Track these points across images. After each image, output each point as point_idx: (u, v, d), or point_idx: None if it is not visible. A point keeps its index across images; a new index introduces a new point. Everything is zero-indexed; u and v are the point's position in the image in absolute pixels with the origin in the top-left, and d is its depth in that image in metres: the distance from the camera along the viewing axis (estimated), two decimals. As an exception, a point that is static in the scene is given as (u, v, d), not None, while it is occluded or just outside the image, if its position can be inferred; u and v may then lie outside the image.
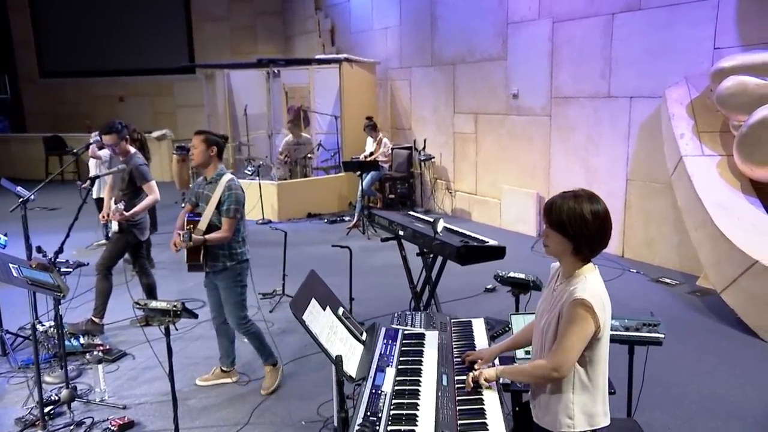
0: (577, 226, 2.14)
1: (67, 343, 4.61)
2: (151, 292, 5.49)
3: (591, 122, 7.43)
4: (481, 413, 2.13)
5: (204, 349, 4.95)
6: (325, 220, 9.65)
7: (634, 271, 6.68)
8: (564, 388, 2.21)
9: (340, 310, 2.56)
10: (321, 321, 2.33)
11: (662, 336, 2.84)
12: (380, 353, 2.44)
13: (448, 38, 9.62)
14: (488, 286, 6.24)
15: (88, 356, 4.73)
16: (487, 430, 2.03)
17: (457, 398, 2.23)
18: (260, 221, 9.43)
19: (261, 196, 9.43)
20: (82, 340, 4.91)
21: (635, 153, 6.96)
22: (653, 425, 3.66)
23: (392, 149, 9.77)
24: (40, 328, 5.04)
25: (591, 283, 2.17)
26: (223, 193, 3.98)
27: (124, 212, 4.76)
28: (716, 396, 4.05)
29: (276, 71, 10.71)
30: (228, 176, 4.08)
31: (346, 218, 9.62)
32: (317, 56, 11.30)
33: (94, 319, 5.16)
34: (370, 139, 9.50)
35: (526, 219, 8.41)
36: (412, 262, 5.03)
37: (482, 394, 2.25)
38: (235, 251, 4.09)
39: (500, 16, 8.55)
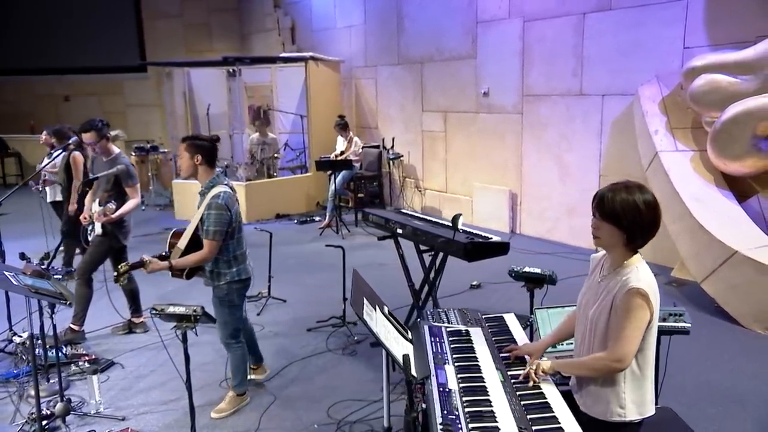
0: (632, 216, 2.17)
1: (50, 354, 4.37)
2: (134, 298, 5.27)
3: (563, 119, 7.59)
4: (547, 407, 2.13)
5: (197, 354, 4.76)
6: (295, 221, 9.51)
7: (610, 264, 6.86)
8: (616, 378, 2.23)
9: (386, 309, 2.51)
10: (377, 321, 2.28)
11: (689, 325, 2.92)
12: (432, 351, 2.41)
13: (415, 37, 9.64)
14: (473, 283, 6.30)
15: (74, 366, 4.52)
16: (559, 423, 2.03)
17: (518, 393, 2.22)
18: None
19: (228, 197, 9.20)
20: (65, 350, 4.66)
21: (608, 149, 7.16)
22: (661, 412, 3.77)
23: (363, 148, 9.71)
24: (17, 339, 4.79)
25: (643, 272, 2.21)
26: (205, 212, 3.60)
27: (112, 206, 4.58)
28: (712, 383, 4.21)
29: (238, 70, 10.49)
30: (216, 190, 3.63)
31: (316, 218, 9.51)
32: (282, 54, 11.13)
33: (72, 326, 4.92)
34: (340, 138, 9.41)
35: (498, 216, 8.52)
36: (407, 261, 5.00)
37: (541, 388, 2.26)
38: (222, 271, 3.73)
39: (469, 15, 8.63)
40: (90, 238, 4.95)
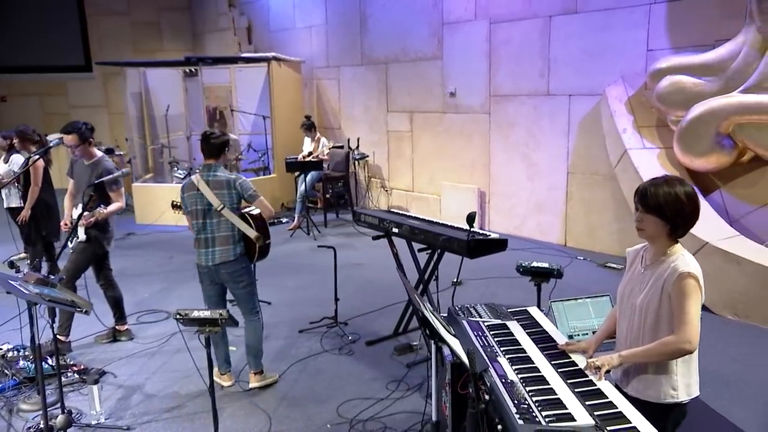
0: (674, 208, 2.31)
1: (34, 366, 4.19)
2: (117, 305, 5.11)
3: (531, 119, 7.81)
4: (601, 393, 2.22)
5: (190, 360, 4.68)
6: (262, 223, 9.38)
7: (581, 258, 7.13)
8: (669, 361, 2.35)
9: (428, 306, 2.56)
10: (432, 319, 2.32)
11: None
12: (480, 345, 2.48)
13: (379, 37, 9.70)
14: (454, 280, 6.39)
15: (63, 378, 4.35)
16: (616, 407, 2.13)
17: (568, 381, 2.31)
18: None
19: (193, 199, 9.02)
20: (51, 362, 4.48)
21: (575, 147, 7.42)
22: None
23: (330, 148, 9.67)
24: (-4, 352, 4.58)
25: (689, 258, 2.35)
26: None
27: (103, 211, 4.47)
28: (708, 371, 4.40)
29: (198, 70, 10.28)
30: None
31: (284, 220, 9.43)
32: (244, 54, 10.97)
33: (59, 337, 4.71)
34: (307, 139, 9.37)
35: (467, 213, 8.66)
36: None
37: (587, 376, 2.35)
38: None
39: (435, 16, 8.75)
40: (71, 245, 4.77)
